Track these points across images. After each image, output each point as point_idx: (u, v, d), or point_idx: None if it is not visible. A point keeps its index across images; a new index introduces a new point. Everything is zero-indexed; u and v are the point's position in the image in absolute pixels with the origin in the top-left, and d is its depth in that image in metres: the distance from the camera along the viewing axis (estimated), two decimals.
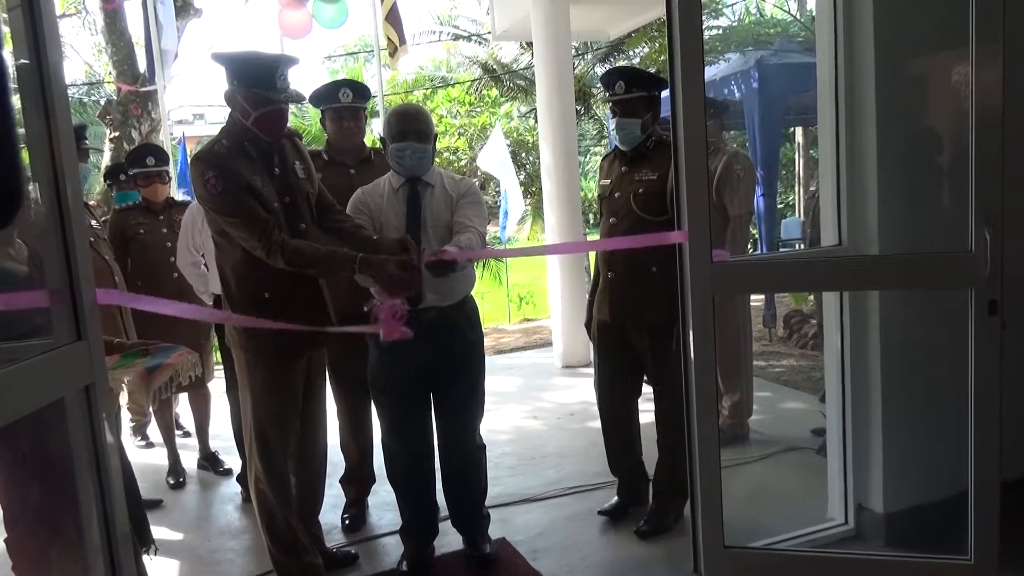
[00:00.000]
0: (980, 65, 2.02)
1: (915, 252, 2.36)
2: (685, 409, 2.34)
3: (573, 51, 9.40)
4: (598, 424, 3.08)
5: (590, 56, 13.83)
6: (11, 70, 1.41)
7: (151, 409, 3.97)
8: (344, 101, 3.02)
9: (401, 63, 7.16)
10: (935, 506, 2.51)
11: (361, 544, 2.97)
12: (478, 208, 2.59)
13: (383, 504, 3.23)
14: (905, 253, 2.40)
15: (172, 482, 3.73)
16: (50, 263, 1.54)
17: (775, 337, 6.28)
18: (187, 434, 4.32)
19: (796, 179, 9.13)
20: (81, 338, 1.53)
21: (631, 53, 13.25)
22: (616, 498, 3.06)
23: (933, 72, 2.54)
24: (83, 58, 15.10)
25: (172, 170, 4.23)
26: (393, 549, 2.88)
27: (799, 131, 8.34)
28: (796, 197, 9.46)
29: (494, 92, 15.92)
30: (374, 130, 9.37)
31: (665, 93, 2.36)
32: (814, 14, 2.93)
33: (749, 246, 4.47)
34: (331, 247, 2.39)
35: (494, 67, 15.48)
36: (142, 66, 7.51)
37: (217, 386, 3.99)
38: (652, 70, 12.16)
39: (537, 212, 14.03)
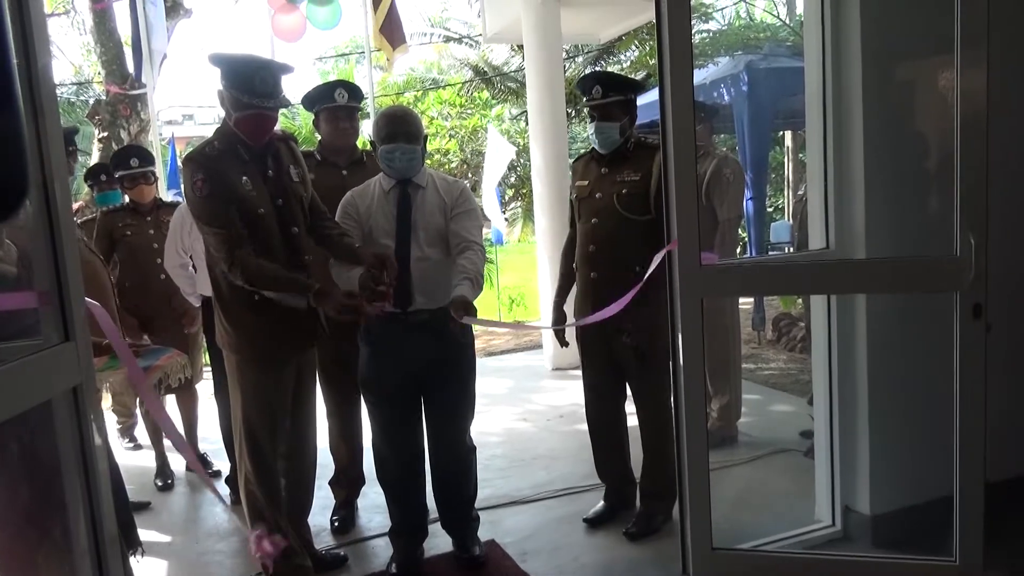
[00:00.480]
0: (965, 70, 2.05)
1: (901, 256, 2.38)
2: (674, 411, 2.35)
3: (564, 54, 9.43)
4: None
5: (581, 59, 13.87)
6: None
7: (138, 411, 3.95)
8: (340, 101, 3.03)
9: (395, 65, 7.17)
10: (921, 508, 2.53)
11: (350, 546, 2.96)
12: (474, 217, 2.62)
13: (372, 506, 3.23)
14: (891, 257, 2.42)
15: (160, 484, 3.72)
16: (38, 264, 1.53)
17: (764, 340, 6.31)
18: None
19: (785, 183, 9.19)
20: (69, 339, 1.52)
21: (622, 56, 13.30)
22: (602, 503, 3.06)
23: (919, 77, 2.57)
24: (69, 59, 15.02)
25: (161, 170, 4.22)
26: (382, 551, 2.88)
27: (788, 135, 8.40)
28: (785, 201, 9.52)
29: (485, 94, 15.95)
30: (364, 132, 9.36)
31: (653, 97, 2.38)
32: (803, 19, 2.95)
33: (738, 249, 4.49)
34: (293, 275, 2.36)
35: (485, 69, 15.51)
36: (131, 66, 7.47)
37: (205, 388, 3.98)
38: (643, 73, 12.23)
39: (528, 215, 14.04)
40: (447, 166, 14.83)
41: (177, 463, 3.89)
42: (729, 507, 2.89)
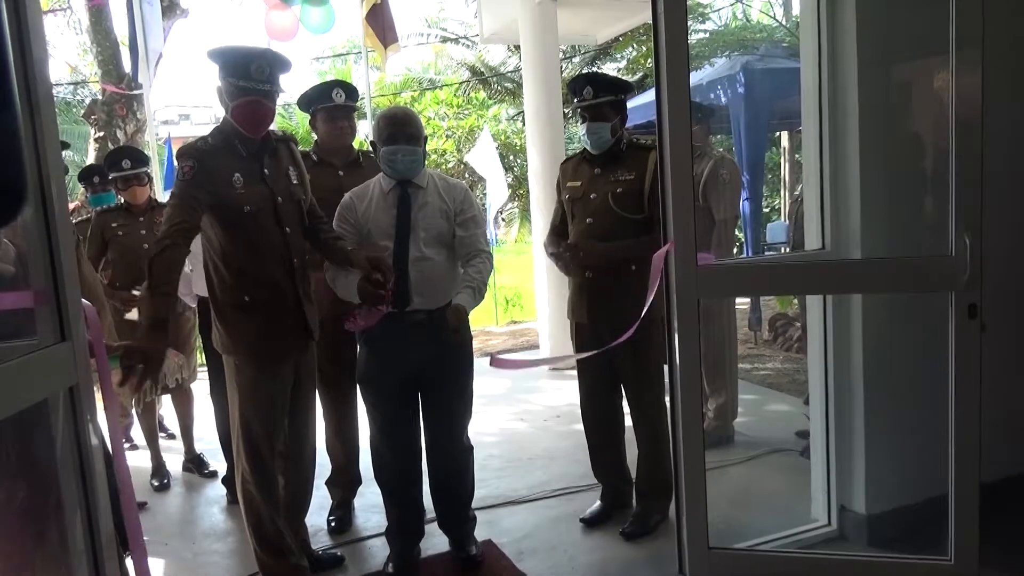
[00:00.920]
0: (960, 71, 2.06)
1: (896, 256, 2.39)
2: (670, 411, 2.35)
3: (561, 54, 9.43)
4: None
5: (578, 59, 13.88)
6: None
7: (134, 411, 3.95)
8: (337, 101, 3.03)
9: (389, 65, 7.17)
10: (916, 507, 2.54)
11: (347, 546, 2.96)
12: (480, 223, 2.63)
13: (369, 506, 3.23)
14: (886, 257, 2.43)
15: (156, 484, 3.71)
16: (35, 264, 1.53)
17: (760, 340, 6.32)
18: (171, 436, 4.29)
19: (781, 183, 9.20)
20: (65, 339, 1.52)
21: (619, 56, 13.31)
22: (598, 503, 3.07)
23: (915, 78, 2.58)
24: (65, 58, 14.98)
25: (157, 171, 4.21)
26: (379, 551, 2.88)
27: (784, 136, 8.41)
28: (781, 201, 9.53)
29: (482, 95, 15.96)
30: (361, 133, 9.35)
31: (650, 97, 2.39)
32: (799, 19, 2.96)
33: (735, 250, 4.50)
34: (156, 298, 2.23)
35: (482, 70, 15.52)
36: (128, 66, 7.46)
37: (201, 388, 3.97)
38: (640, 74, 12.25)
39: (525, 215, 14.04)
40: (444, 166, 14.82)
41: (173, 463, 3.89)
42: (725, 507, 2.89)
